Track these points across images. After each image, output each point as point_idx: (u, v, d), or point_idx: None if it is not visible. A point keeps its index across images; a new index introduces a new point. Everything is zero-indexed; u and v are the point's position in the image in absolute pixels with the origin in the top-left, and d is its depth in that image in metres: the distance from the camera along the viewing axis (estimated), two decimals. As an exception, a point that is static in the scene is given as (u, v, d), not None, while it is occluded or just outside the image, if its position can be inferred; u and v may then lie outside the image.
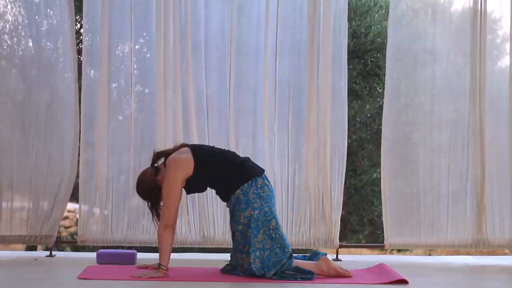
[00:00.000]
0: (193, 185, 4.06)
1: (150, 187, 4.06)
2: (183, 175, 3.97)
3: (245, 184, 3.96)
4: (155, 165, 4.13)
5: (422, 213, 4.88)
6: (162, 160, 4.11)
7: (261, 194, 3.96)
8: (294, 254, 4.02)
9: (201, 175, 3.99)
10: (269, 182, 4.08)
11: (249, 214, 3.92)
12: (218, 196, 4.18)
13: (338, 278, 3.96)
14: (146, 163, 4.67)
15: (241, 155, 4.74)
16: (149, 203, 4.12)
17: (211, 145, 4.43)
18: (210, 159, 4.02)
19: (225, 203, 4.11)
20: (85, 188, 4.78)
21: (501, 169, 4.89)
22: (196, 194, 4.60)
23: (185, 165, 3.98)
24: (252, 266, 3.87)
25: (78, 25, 6.27)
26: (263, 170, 4.10)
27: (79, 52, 5.07)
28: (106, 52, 4.74)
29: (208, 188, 4.18)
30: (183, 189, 4.02)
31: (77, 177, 4.79)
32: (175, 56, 4.76)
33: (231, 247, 4.10)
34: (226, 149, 4.29)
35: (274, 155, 4.82)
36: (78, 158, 4.77)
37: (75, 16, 6.05)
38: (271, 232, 3.93)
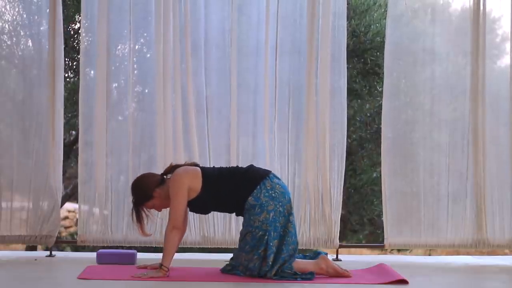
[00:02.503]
0: (199, 204, 4.03)
1: (146, 189, 4.05)
2: (190, 181, 3.97)
3: (255, 190, 3.96)
4: (164, 176, 4.12)
5: (422, 212, 4.87)
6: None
7: (273, 195, 3.97)
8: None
9: (208, 193, 3.98)
10: (279, 179, 4.08)
11: (264, 218, 3.92)
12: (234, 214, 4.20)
13: (338, 278, 3.97)
14: (145, 163, 4.68)
15: (241, 155, 4.78)
16: (133, 200, 4.09)
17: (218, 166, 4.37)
18: (218, 178, 4.02)
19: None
20: (84, 188, 4.77)
21: (501, 169, 4.89)
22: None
23: (193, 174, 3.99)
24: (267, 269, 3.88)
25: (78, 25, 6.27)
26: (269, 171, 4.10)
27: (78, 51, 5.06)
28: (105, 52, 4.73)
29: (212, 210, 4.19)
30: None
31: (76, 177, 4.78)
32: (174, 56, 4.75)
33: (231, 247, 4.10)
34: (231, 166, 4.29)
35: (274, 155, 4.81)
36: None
37: (75, 16, 6.07)
38: (280, 230, 3.95)
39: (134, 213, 4.07)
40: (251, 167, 4.14)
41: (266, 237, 3.90)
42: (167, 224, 3.98)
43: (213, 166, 4.27)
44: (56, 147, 4.72)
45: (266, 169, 4.15)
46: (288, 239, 3.95)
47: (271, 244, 3.90)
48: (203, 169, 4.06)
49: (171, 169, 4.11)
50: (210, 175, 4.02)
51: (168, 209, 4.06)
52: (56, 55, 4.71)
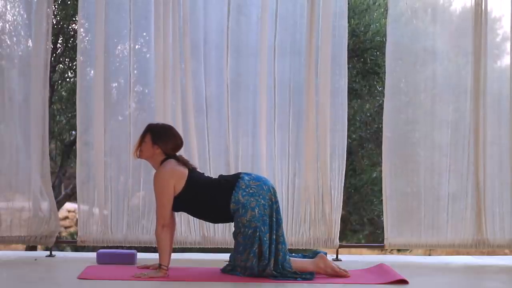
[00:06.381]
0: (174, 203, 4.04)
1: (160, 136, 4.08)
2: (175, 181, 3.99)
3: (232, 196, 3.96)
4: (174, 155, 4.12)
5: (422, 213, 4.87)
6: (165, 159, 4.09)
7: (251, 191, 3.98)
8: (293, 254, 4.07)
9: (186, 197, 4.00)
10: (250, 174, 4.09)
11: (251, 216, 3.93)
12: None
13: (337, 277, 3.98)
14: (145, 163, 4.66)
15: (241, 155, 4.78)
16: (150, 125, 4.17)
17: (206, 174, 4.38)
18: (201, 186, 4.03)
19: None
20: (84, 188, 4.77)
21: (501, 169, 4.88)
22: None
23: (178, 176, 4.00)
24: (264, 262, 3.90)
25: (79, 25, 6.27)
26: (239, 173, 4.12)
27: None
28: (104, 51, 4.72)
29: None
30: None
31: (76, 177, 4.78)
32: (174, 56, 4.75)
33: (231, 247, 4.11)
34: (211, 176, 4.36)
35: (274, 155, 4.81)
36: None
37: (75, 15, 6.06)
38: (268, 222, 3.96)
39: (142, 134, 4.14)
40: (221, 176, 4.19)
41: (257, 233, 3.91)
42: (156, 224, 4.00)
43: (203, 173, 4.27)
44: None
45: (235, 173, 4.20)
46: (277, 227, 3.98)
47: (265, 238, 3.92)
48: (191, 174, 4.06)
49: (183, 160, 4.10)
50: (195, 182, 4.03)
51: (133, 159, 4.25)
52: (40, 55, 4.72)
